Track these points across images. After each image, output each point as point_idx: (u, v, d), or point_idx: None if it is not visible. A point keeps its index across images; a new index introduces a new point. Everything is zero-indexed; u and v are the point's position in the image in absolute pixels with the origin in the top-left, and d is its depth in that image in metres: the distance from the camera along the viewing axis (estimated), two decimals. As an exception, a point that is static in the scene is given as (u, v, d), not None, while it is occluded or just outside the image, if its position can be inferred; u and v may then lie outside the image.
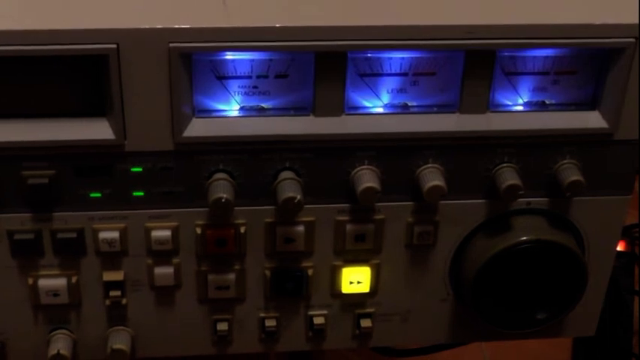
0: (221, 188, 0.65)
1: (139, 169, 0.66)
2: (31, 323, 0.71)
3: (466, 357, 1.10)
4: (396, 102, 0.67)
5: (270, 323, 0.73)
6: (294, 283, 0.71)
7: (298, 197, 0.65)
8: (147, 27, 0.60)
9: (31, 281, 0.69)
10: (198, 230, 0.68)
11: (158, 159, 0.65)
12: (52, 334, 0.71)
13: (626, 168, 0.69)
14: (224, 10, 0.62)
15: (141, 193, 0.67)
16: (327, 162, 0.67)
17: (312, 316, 0.73)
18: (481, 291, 0.71)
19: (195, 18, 0.61)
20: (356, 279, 0.72)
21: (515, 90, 0.67)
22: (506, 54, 0.66)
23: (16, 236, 0.67)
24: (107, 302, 0.70)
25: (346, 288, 0.72)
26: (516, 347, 1.25)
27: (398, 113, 0.67)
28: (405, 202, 0.69)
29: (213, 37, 0.61)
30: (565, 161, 0.68)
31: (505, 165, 0.68)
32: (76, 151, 0.64)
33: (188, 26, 0.61)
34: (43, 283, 0.69)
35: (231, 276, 0.71)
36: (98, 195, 0.67)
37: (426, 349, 0.87)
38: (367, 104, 0.67)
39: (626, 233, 1.08)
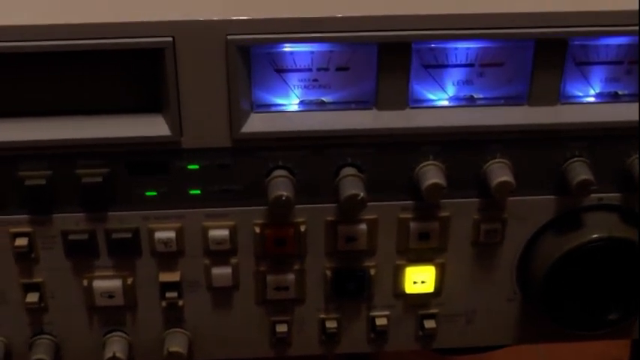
0: (281, 185, 0.63)
1: (196, 167, 0.64)
2: (85, 325, 0.70)
3: (520, 353, 1.07)
4: (461, 94, 0.65)
5: (330, 325, 0.72)
6: (356, 283, 0.70)
7: (361, 195, 0.63)
8: (203, 19, 0.59)
9: (85, 282, 0.68)
10: (257, 229, 0.67)
11: (215, 156, 0.64)
12: (107, 336, 0.71)
13: None
14: None
15: (197, 192, 0.66)
16: (390, 157, 0.65)
17: (374, 317, 0.72)
18: (551, 291, 0.69)
19: (253, 9, 0.60)
20: (420, 279, 0.70)
21: (586, 80, 0.65)
22: (577, 43, 0.63)
23: (71, 237, 0.66)
24: (163, 304, 0.69)
25: (410, 288, 0.71)
26: (572, 344, 1.22)
27: (464, 106, 0.65)
28: (471, 198, 0.67)
29: (272, 28, 0.60)
30: (639, 155, 0.66)
31: (576, 159, 0.66)
32: (130, 148, 0.63)
33: (246, 17, 0.59)
34: (97, 284, 0.68)
35: (291, 276, 0.69)
36: (154, 193, 0.66)
37: (483, 348, 0.85)
38: (432, 97, 0.65)
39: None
